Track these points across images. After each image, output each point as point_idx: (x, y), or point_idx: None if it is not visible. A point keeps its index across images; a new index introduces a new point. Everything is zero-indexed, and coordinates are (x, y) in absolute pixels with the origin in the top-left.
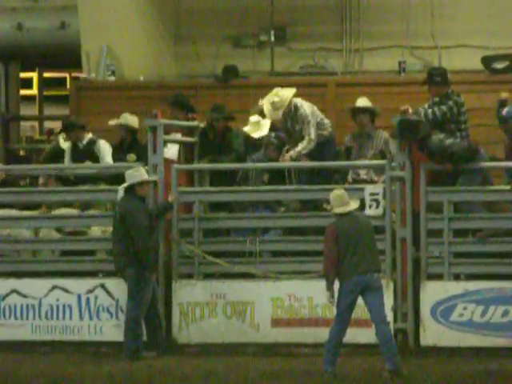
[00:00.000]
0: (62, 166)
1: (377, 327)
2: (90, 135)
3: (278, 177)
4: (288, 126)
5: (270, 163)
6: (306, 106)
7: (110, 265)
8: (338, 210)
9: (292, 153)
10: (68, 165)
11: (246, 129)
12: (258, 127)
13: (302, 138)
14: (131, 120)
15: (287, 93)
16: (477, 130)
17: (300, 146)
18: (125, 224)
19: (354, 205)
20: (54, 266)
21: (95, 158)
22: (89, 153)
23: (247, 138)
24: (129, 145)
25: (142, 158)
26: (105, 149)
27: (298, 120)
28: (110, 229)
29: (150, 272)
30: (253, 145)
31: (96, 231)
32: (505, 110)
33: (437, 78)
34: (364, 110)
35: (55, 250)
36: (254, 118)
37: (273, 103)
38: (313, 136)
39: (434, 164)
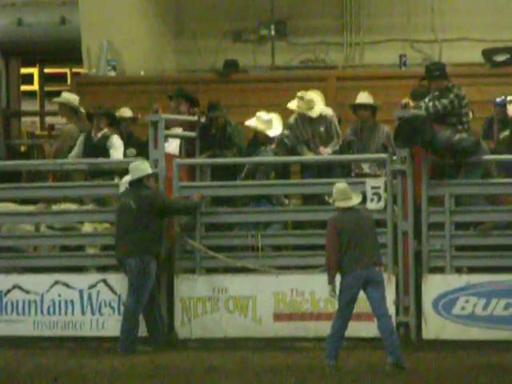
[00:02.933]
0: (62, 161)
1: (378, 321)
2: (105, 129)
3: (284, 174)
4: (300, 127)
5: (272, 157)
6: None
7: (111, 259)
8: (340, 204)
9: (328, 150)
10: (75, 157)
11: (255, 124)
12: (271, 125)
13: (322, 139)
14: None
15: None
16: (478, 123)
17: (332, 145)
18: (142, 213)
19: (356, 199)
20: (56, 262)
21: (107, 154)
22: (101, 147)
23: (255, 134)
24: (126, 139)
25: (141, 153)
26: (117, 145)
27: (320, 121)
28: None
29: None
30: (258, 141)
31: (87, 227)
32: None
33: (436, 72)
34: (365, 105)
35: (56, 245)
36: (265, 116)
37: (306, 101)
38: (340, 135)
39: (436, 158)
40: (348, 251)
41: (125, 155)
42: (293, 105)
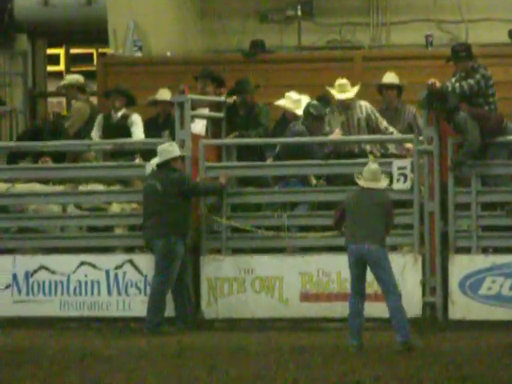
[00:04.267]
0: (91, 142)
1: (386, 299)
2: (124, 109)
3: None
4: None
5: (296, 138)
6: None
7: (137, 240)
8: (361, 183)
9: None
10: (97, 137)
11: (284, 103)
12: (300, 105)
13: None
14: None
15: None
16: (504, 103)
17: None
18: (169, 195)
19: (382, 183)
20: (82, 242)
21: (128, 133)
22: (122, 127)
23: (284, 114)
24: (163, 121)
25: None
26: (137, 123)
27: (356, 110)
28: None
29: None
30: (287, 121)
31: (115, 207)
32: None
33: (461, 53)
34: (391, 85)
35: (82, 226)
36: (294, 96)
37: (340, 85)
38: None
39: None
40: (348, 225)
41: (159, 136)
42: (281, 102)
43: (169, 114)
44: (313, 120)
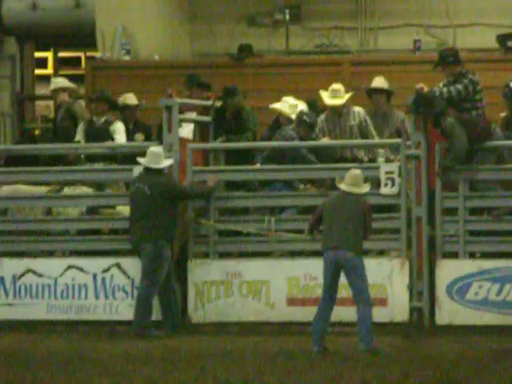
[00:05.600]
0: (76, 145)
1: (357, 307)
2: (107, 114)
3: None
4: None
5: (285, 142)
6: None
7: (125, 243)
8: (341, 187)
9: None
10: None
11: (281, 107)
12: (296, 110)
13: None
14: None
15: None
16: (492, 109)
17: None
18: (157, 198)
19: (363, 189)
20: (70, 246)
21: (109, 138)
22: (104, 132)
23: (277, 118)
24: (134, 124)
25: (149, 137)
26: (120, 129)
27: (349, 117)
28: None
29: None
30: (280, 125)
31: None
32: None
33: (449, 58)
34: (380, 90)
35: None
36: (291, 101)
37: (333, 90)
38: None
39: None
40: (325, 230)
41: (132, 140)
42: (277, 106)
43: (136, 118)
44: (305, 127)
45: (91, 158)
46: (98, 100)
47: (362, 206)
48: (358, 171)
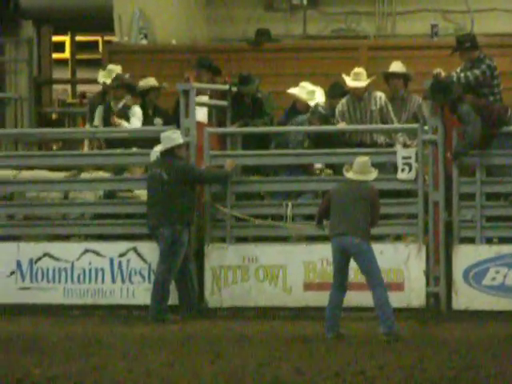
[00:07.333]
0: (94, 130)
1: (371, 291)
2: (124, 99)
3: (322, 142)
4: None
5: (302, 127)
6: None
7: (142, 228)
8: (347, 174)
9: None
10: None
11: (298, 93)
12: (314, 96)
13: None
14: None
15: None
16: (509, 94)
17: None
18: (174, 183)
19: (370, 176)
20: (87, 230)
21: (129, 122)
22: (123, 117)
23: (294, 103)
24: (153, 110)
25: (168, 122)
26: (137, 113)
27: (370, 101)
28: None
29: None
30: (297, 111)
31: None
32: None
33: (466, 43)
34: (398, 75)
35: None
36: (309, 86)
37: (355, 73)
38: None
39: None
40: (332, 217)
41: (151, 124)
42: (295, 91)
43: (155, 104)
44: (319, 118)
45: (110, 142)
46: (117, 87)
47: (370, 193)
48: (365, 158)
